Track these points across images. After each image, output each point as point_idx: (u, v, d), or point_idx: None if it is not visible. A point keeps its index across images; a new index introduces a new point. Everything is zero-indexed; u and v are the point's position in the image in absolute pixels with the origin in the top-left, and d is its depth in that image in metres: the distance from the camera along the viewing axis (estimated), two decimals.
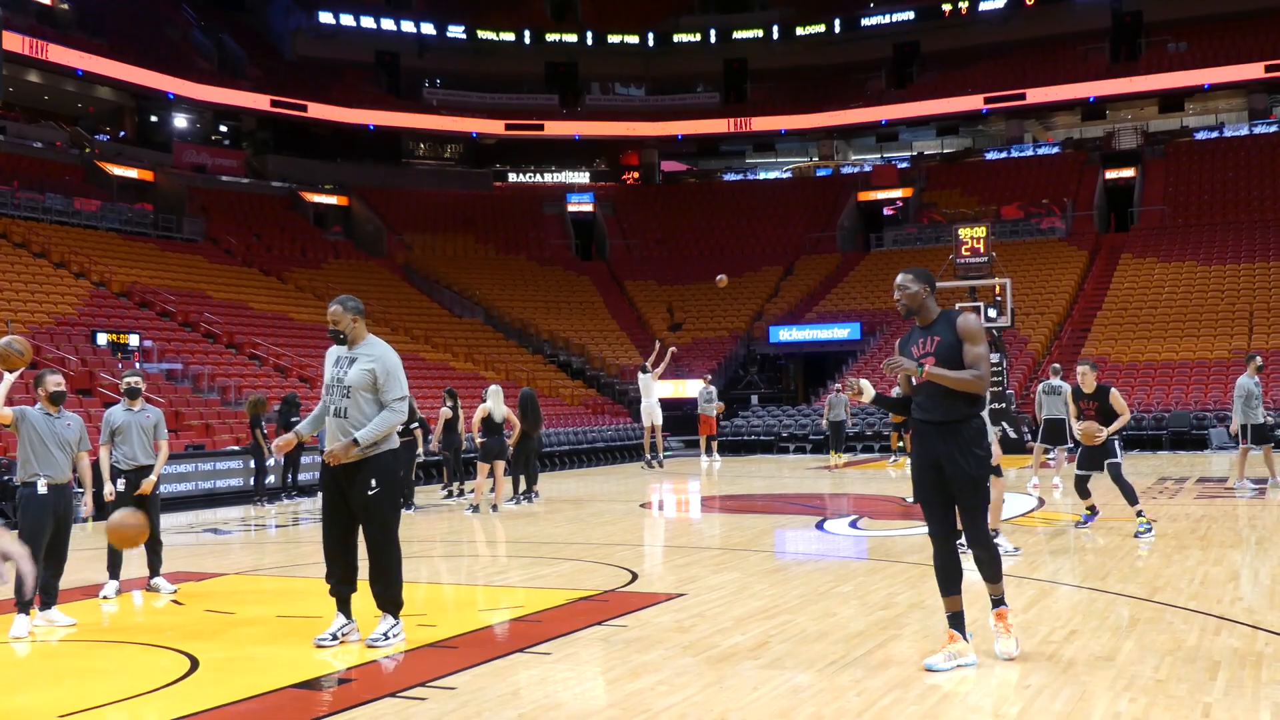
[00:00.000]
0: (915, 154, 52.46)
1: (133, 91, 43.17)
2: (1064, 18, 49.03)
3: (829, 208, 46.83)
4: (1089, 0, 49.21)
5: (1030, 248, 40.22)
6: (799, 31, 53.51)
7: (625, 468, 26.06)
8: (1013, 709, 5.18)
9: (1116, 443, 11.42)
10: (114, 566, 9.23)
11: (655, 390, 23.03)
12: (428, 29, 52.26)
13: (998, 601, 6.13)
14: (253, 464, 18.44)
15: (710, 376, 28.35)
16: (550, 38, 53.56)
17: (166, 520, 11.81)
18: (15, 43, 37.57)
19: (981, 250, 29.71)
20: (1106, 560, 9.68)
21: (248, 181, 45.04)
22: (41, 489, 7.89)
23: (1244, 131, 45.65)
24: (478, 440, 15.97)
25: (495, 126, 50.36)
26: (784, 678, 5.82)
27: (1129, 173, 43.83)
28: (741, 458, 28.49)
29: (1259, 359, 16.24)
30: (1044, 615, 7.42)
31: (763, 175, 53.69)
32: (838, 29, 52.95)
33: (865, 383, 6.19)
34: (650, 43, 54.24)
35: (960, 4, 51.03)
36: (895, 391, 6.51)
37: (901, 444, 22.27)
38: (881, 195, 47.10)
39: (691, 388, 32.20)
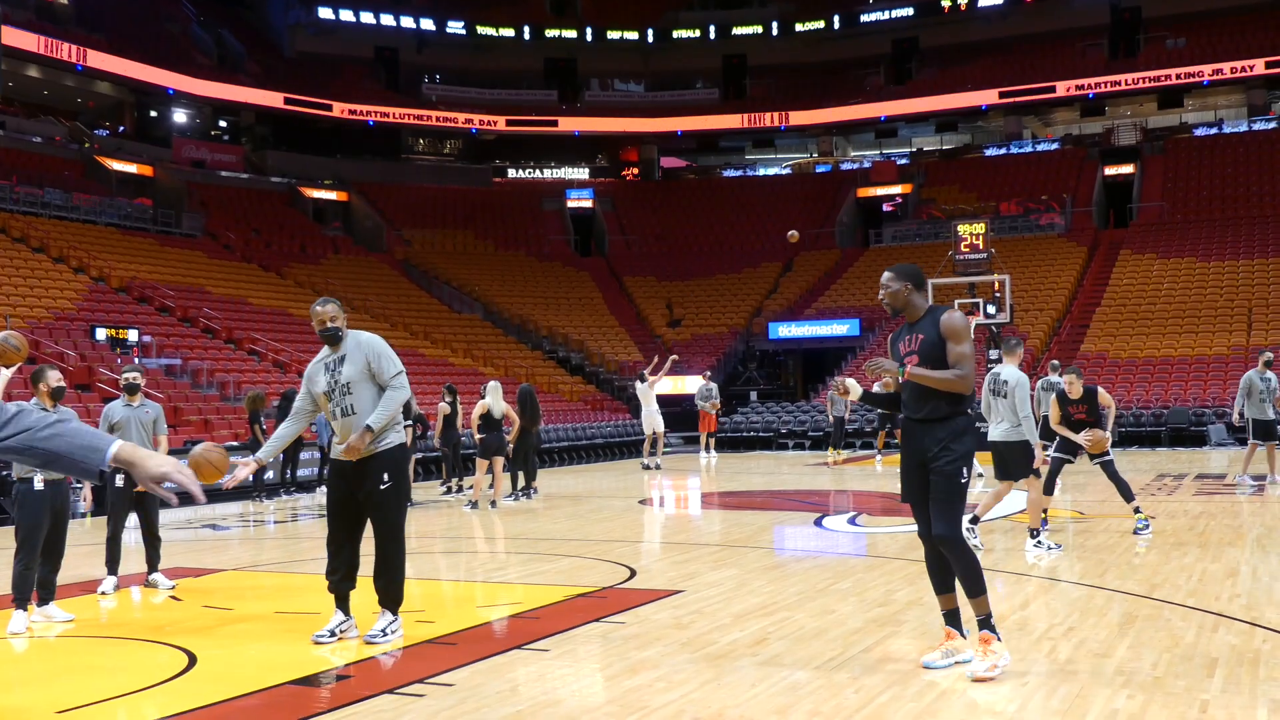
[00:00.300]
0: (914, 150, 52.49)
1: (132, 86, 43.15)
2: (1063, 13, 49.04)
3: (828, 204, 46.82)
4: None
5: (1029, 244, 40.22)
6: (798, 27, 53.53)
7: (624, 464, 26.07)
8: (1010, 706, 5.18)
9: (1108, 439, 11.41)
10: (112, 562, 9.23)
11: (653, 398, 23.08)
12: (427, 24, 52.27)
13: (982, 623, 5.73)
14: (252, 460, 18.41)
15: (710, 373, 28.35)
16: (550, 33, 53.57)
17: (165, 516, 11.80)
18: (15, 38, 37.55)
19: (980, 246, 29.73)
20: (1105, 557, 9.68)
21: (247, 177, 45.01)
22: (38, 484, 7.88)
23: (1243, 128, 45.65)
24: (476, 436, 15.96)
25: (495, 122, 50.32)
26: (782, 675, 5.83)
27: (1128, 169, 43.81)
28: (740, 454, 28.49)
29: (1269, 354, 16.24)
30: (1042, 612, 7.43)
31: (762, 171, 53.70)
32: (837, 25, 52.97)
33: (851, 381, 6.10)
34: (650, 38, 54.24)
35: (959, 0, 51.04)
36: (876, 387, 6.45)
37: (891, 440, 22.29)
38: (881, 191, 47.08)
39: (690, 385, 32.20)
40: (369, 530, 7.03)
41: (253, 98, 46.13)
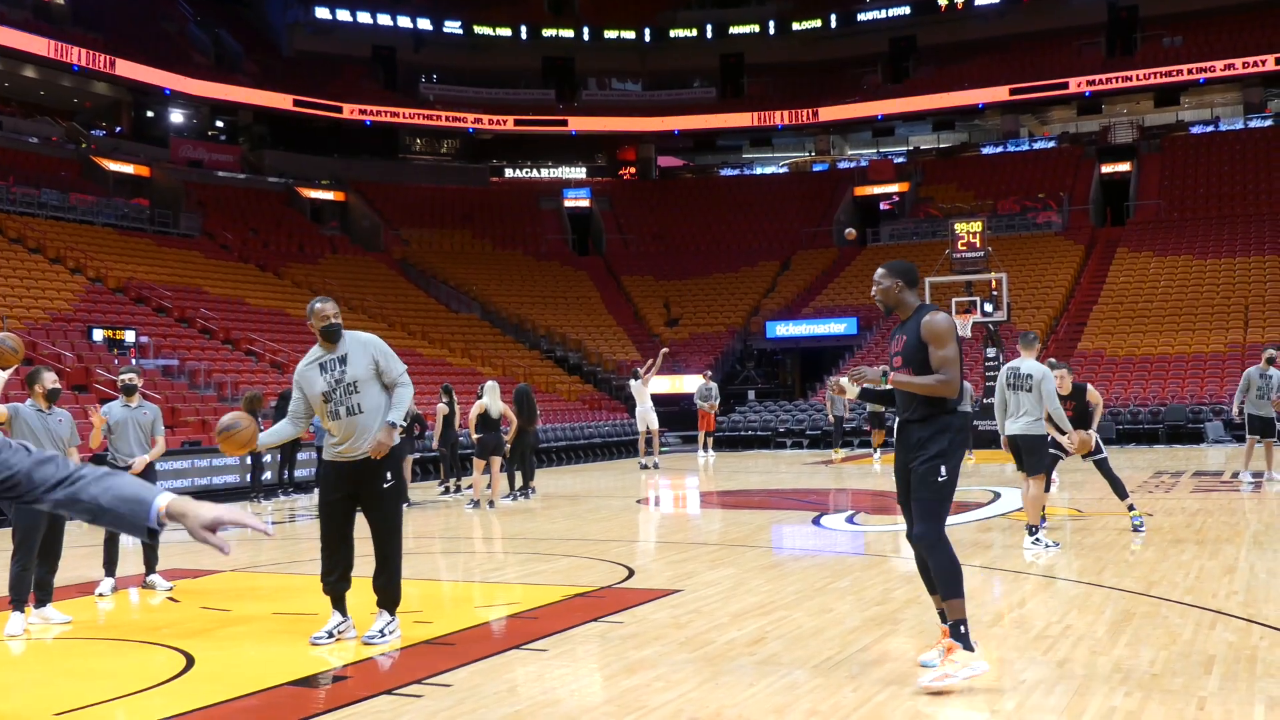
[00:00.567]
0: (911, 149, 52.49)
1: (129, 86, 43.11)
2: (1060, 12, 49.06)
3: (825, 203, 46.83)
4: None
5: (1026, 242, 40.24)
6: (795, 26, 53.55)
7: (622, 463, 26.06)
8: (1008, 704, 5.18)
9: (1098, 437, 11.43)
10: (110, 563, 9.23)
11: (647, 395, 23.11)
12: (424, 24, 52.27)
13: (952, 629, 5.53)
14: (249, 460, 18.43)
15: (710, 372, 28.36)
16: (547, 33, 53.57)
17: None
18: (11, 38, 37.54)
19: (977, 245, 29.72)
20: (1102, 555, 9.69)
21: (244, 177, 44.99)
22: None
23: (1239, 125, 45.72)
24: (474, 436, 15.97)
25: (492, 122, 50.31)
26: (780, 674, 5.83)
27: (1125, 167, 43.85)
28: (739, 453, 28.49)
29: (1272, 351, 16.26)
30: (1039, 610, 7.43)
31: (759, 170, 53.72)
32: (834, 24, 53.00)
33: (845, 380, 6.04)
34: (647, 38, 54.24)
35: None
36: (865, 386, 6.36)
37: (890, 439, 22.30)
38: (878, 190, 47.10)
39: (688, 383, 32.23)
40: (360, 530, 7.04)
41: (252, 98, 46.09)
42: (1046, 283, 37.22)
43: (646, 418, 23.02)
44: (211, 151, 45.75)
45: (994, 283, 27.93)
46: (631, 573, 9.43)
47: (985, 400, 26.61)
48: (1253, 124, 45.34)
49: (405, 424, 16.02)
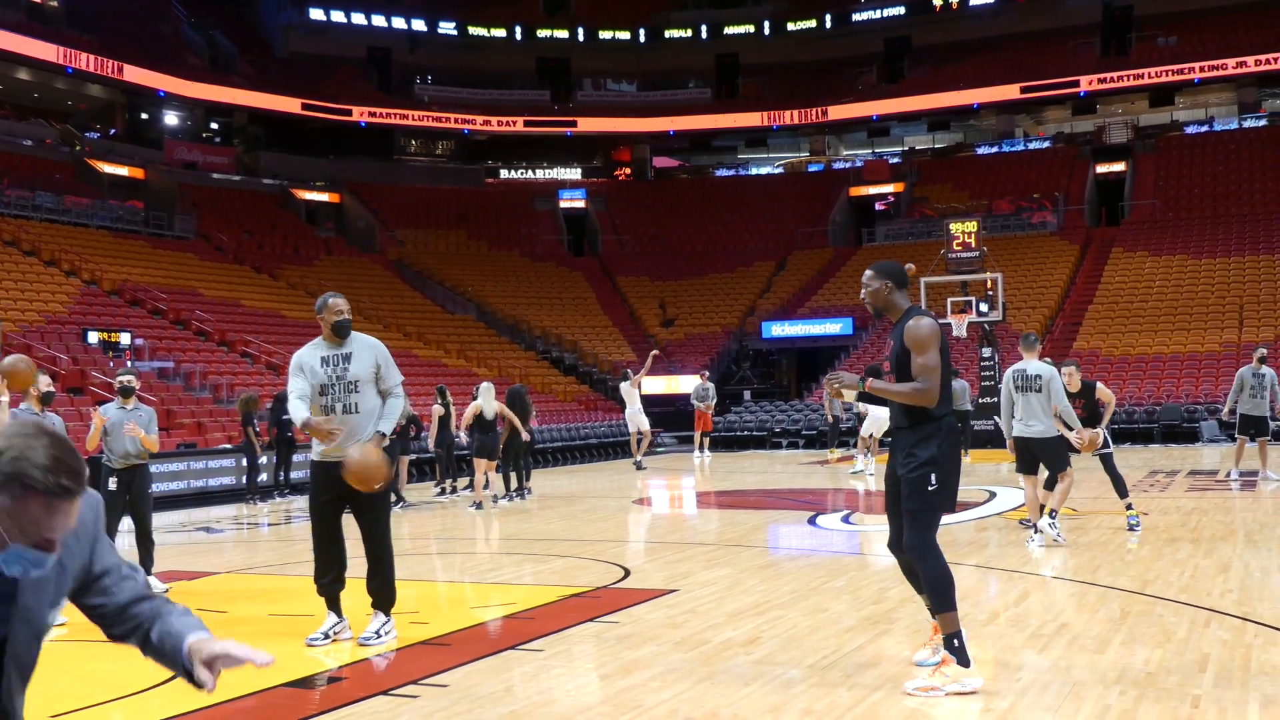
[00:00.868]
0: (906, 149, 52.53)
1: (123, 88, 43.05)
2: (1055, 12, 49.07)
3: (821, 203, 46.85)
4: None
5: (1022, 242, 40.27)
6: (790, 26, 53.56)
7: (618, 464, 26.06)
8: (1003, 703, 5.19)
9: (1105, 434, 11.45)
10: None
11: (637, 397, 23.17)
12: (419, 25, 52.23)
13: (946, 642, 5.42)
14: (245, 462, 18.43)
15: (707, 373, 28.39)
16: (542, 33, 53.55)
17: (158, 519, 11.79)
18: (5, 40, 37.49)
19: (973, 245, 29.75)
20: (1097, 554, 9.71)
21: (239, 178, 44.95)
22: None
23: (1233, 125, 45.79)
24: (465, 439, 16.02)
25: (487, 122, 50.30)
26: (775, 673, 5.83)
27: (1119, 167, 43.91)
28: (734, 453, 28.50)
29: (1262, 350, 16.32)
30: (1034, 608, 7.45)
31: (755, 171, 53.75)
32: (829, 24, 53.02)
33: (845, 386, 5.83)
34: (642, 38, 54.24)
35: None
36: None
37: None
38: (873, 190, 47.11)
39: (684, 384, 32.22)
40: (352, 532, 7.04)
41: (248, 100, 46.01)
42: (1042, 283, 37.27)
43: (637, 420, 23.10)
44: (206, 153, 45.70)
45: (989, 283, 27.96)
46: (627, 573, 9.44)
47: (982, 400, 26.66)
48: (1247, 124, 45.41)
49: (401, 424, 16.07)
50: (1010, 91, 47.56)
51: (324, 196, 45.98)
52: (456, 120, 49.96)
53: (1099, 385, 11.46)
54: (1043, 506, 10.48)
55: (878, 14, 52.55)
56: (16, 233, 30.92)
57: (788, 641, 6.59)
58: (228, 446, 20.16)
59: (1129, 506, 11.10)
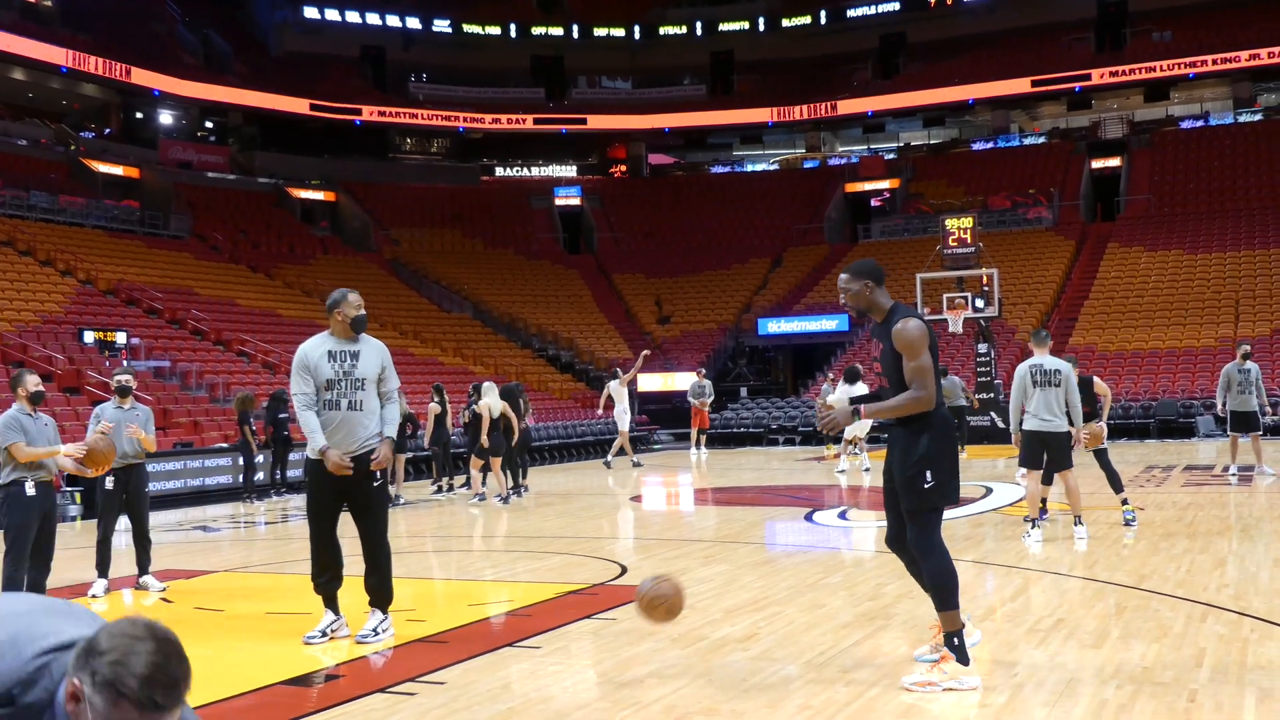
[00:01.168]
0: (902, 145, 52.54)
1: (118, 88, 42.97)
2: (1050, 7, 49.07)
3: (816, 199, 46.85)
4: None
5: (1017, 237, 40.30)
6: (785, 23, 53.55)
7: (615, 461, 26.03)
8: (999, 698, 5.20)
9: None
10: (102, 565, 9.24)
11: (625, 395, 23.22)
12: (413, 23, 52.20)
13: (946, 639, 5.43)
14: (241, 461, 18.42)
15: (703, 370, 28.39)
16: (536, 31, 53.53)
17: (155, 518, 11.78)
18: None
19: (968, 240, 29.78)
20: (1094, 549, 9.72)
21: (234, 178, 44.89)
22: (30, 490, 7.87)
23: (1229, 120, 45.83)
24: (486, 440, 16.15)
25: (482, 120, 50.27)
26: (773, 669, 5.84)
27: (1115, 162, 43.93)
28: (731, 450, 28.50)
29: (1246, 346, 16.37)
30: (1031, 603, 7.46)
31: (750, 167, 53.74)
32: (824, 20, 53.03)
33: (841, 421, 5.58)
34: (636, 35, 54.22)
35: None
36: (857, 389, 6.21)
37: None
38: (868, 186, 47.12)
39: (680, 380, 32.22)
40: (348, 530, 7.05)
41: (242, 98, 45.93)
42: (1038, 278, 37.29)
43: (620, 418, 23.14)
44: (201, 153, 45.65)
45: (985, 278, 27.98)
46: (624, 570, 9.44)
47: (978, 396, 26.69)
48: (1242, 119, 45.47)
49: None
50: (1009, 86, 47.50)
51: (319, 195, 45.92)
52: (451, 118, 49.94)
53: (1096, 380, 11.48)
54: (1044, 502, 10.51)
55: (873, 10, 52.54)
56: (12, 232, 30.87)
57: (785, 637, 6.60)
58: (224, 445, 20.14)
59: (1125, 502, 11.12)
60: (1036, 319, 34.27)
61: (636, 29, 54.12)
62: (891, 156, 49.75)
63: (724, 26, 54.13)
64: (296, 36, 50.62)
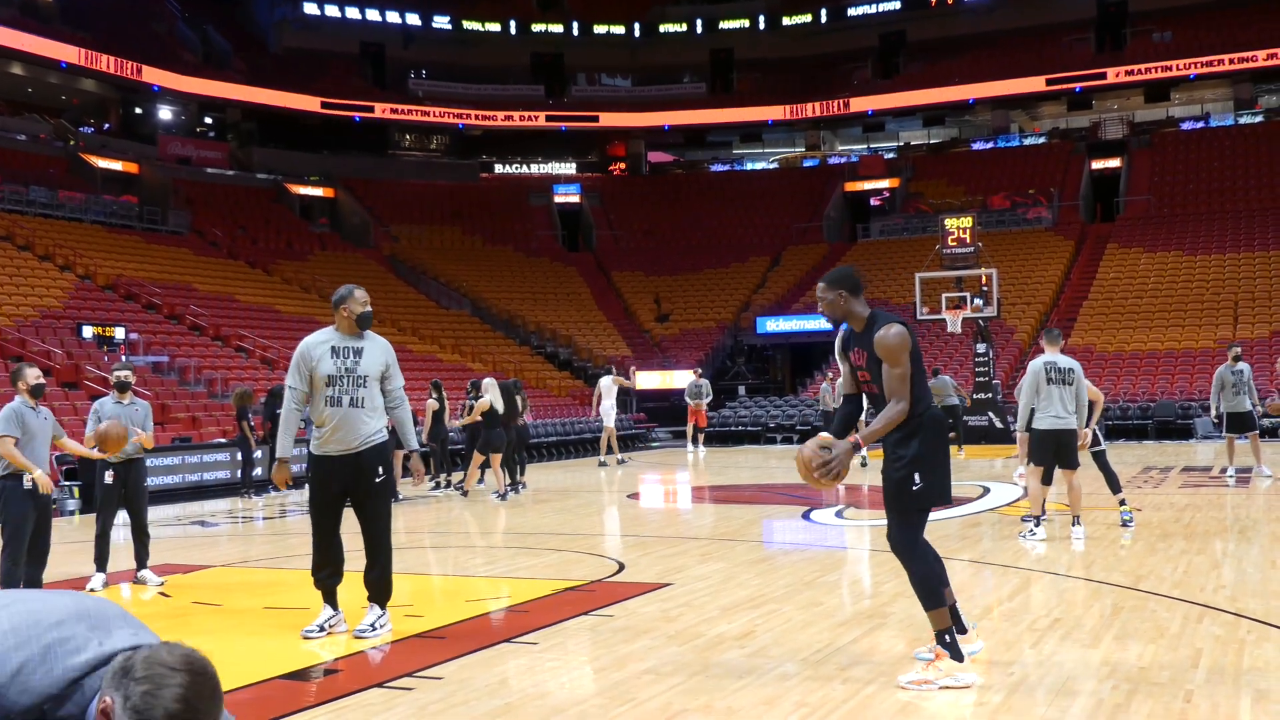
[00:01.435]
0: (902, 144, 52.54)
1: (117, 84, 42.98)
2: (1050, 7, 49.09)
3: (816, 198, 46.86)
4: None
5: (1016, 238, 40.32)
6: (785, 21, 53.56)
7: (612, 459, 26.03)
8: (996, 697, 5.21)
9: (1097, 430, 11.48)
10: (101, 559, 9.24)
11: (614, 394, 23.24)
12: (413, 20, 52.18)
13: (938, 637, 5.46)
14: (239, 456, 18.42)
15: (700, 369, 28.39)
16: (536, 28, 53.54)
17: (154, 513, 11.78)
18: None
19: (968, 240, 29.77)
20: (1091, 549, 9.73)
21: (233, 174, 44.89)
22: (27, 483, 7.87)
23: (1229, 121, 45.86)
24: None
25: (482, 117, 50.26)
26: (769, 667, 5.85)
27: (1115, 163, 43.95)
28: (729, 448, 28.51)
29: (1237, 349, 16.40)
30: (1028, 604, 7.47)
31: (749, 166, 53.73)
32: (824, 19, 53.05)
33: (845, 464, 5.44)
34: (636, 33, 54.22)
35: None
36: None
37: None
38: (868, 185, 47.14)
39: (679, 378, 32.23)
40: (348, 525, 7.05)
41: (242, 94, 45.92)
42: (1037, 278, 37.31)
43: (606, 415, 23.17)
44: (199, 148, 45.64)
45: (984, 278, 27.98)
46: (622, 567, 9.45)
47: (976, 395, 26.71)
48: (1243, 120, 45.49)
49: None
50: (1009, 86, 47.54)
51: (318, 192, 45.92)
52: (451, 115, 49.93)
53: (1087, 384, 11.51)
54: (1043, 502, 10.53)
55: (873, 9, 52.56)
56: (11, 228, 30.86)
57: (782, 635, 6.60)
58: (222, 441, 20.14)
59: (1122, 502, 11.13)
60: (1035, 319, 34.31)
61: (636, 26, 54.12)
62: (891, 156, 49.77)
63: (724, 24, 54.14)
64: (296, 33, 50.61)
